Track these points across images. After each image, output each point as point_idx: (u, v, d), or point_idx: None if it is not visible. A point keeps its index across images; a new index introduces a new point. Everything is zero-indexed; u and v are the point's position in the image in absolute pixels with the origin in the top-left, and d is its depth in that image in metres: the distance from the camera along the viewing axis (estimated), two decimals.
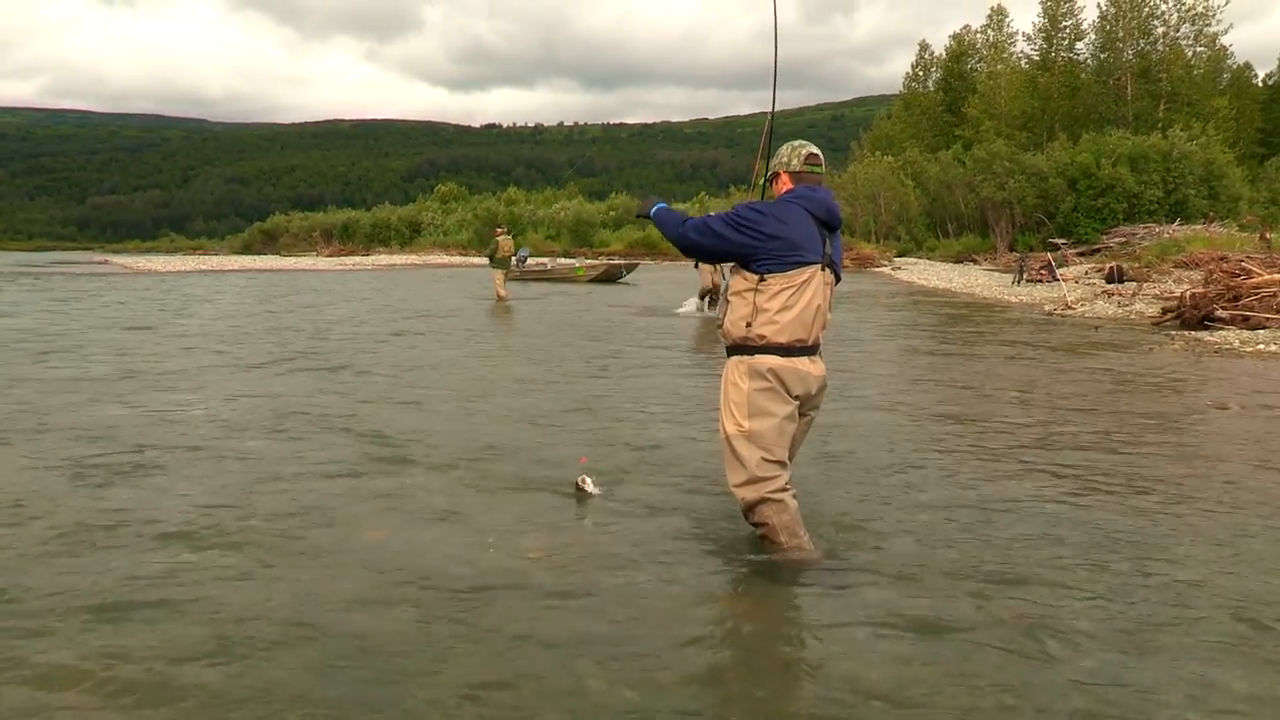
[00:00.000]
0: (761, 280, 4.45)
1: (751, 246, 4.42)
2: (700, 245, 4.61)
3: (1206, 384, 10.45)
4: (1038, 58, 74.62)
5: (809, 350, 4.56)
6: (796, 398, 4.55)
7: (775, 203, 4.56)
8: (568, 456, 6.74)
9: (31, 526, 5.01)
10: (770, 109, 5.53)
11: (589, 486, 5.76)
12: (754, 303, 4.48)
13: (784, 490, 4.55)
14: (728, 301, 4.65)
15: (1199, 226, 40.90)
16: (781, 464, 4.55)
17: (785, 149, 4.75)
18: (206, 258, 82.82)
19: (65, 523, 5.07)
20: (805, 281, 4.45)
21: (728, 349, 4.68)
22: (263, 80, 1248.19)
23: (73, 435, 7.33)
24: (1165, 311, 18.13)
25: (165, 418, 8.14)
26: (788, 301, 4.44)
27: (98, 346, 13.67)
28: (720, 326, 4.71)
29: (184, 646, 3.54)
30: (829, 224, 4.57)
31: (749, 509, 4.57)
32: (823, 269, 4.52)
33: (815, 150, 4.71)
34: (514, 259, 26.78)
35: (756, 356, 4.50)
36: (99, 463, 6.44)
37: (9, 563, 4.45)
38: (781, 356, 4.48)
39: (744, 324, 4.50)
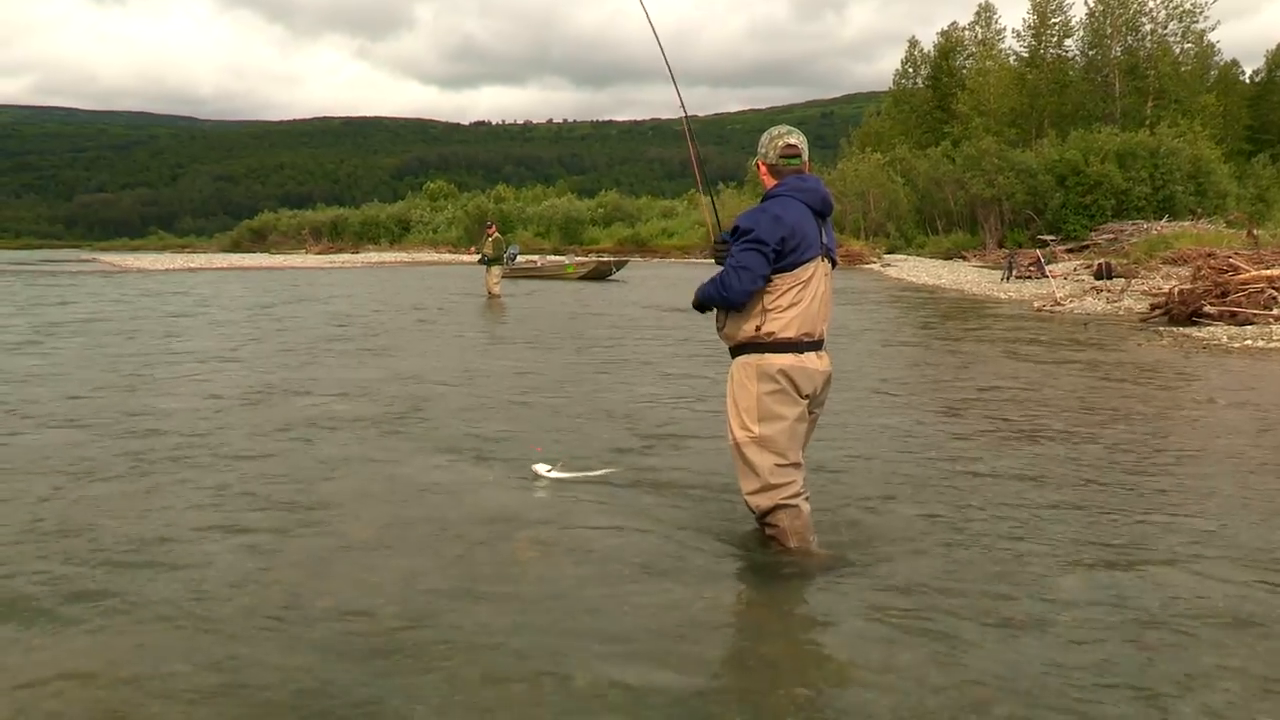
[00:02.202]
0: (769, 281, 4.38)
1: (777, 252, 4.32)
2: (750, 288, 4.36)
3: (1194, 380, 10.49)
4: (1026, 54, 74.68)
5: (816, 345, 4.49)
6: (806, 397, 4.47)
7: (773, 202, 4.46)
8: (564, 445, 6.75)
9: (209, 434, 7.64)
10: (684, 113, 5.49)
11: (542, 470, 6.06)
12: (761, 303, 4.39)
13: (798, 495, 4.48)
14: None
15: (1186, 223, 41.02)
16: (795, 466, 4.48)
17: (765, 138, 4.66)
18: (195, 256, 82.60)
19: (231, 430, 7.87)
20: (810, 276, 4.41)
21: (732, 349, 4.58)
22: (253, 78, 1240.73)
23: (193, 389, 9.87)
24: (1154, 308, 18.16)
25: (245, 380, 10.49)
26: (795, 298, 4.38)
27: (160, 330, 16.29)
28: (721, 329, 4.61)
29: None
30: (822, 212, 4.53)
31: (762, 515, 4.52)
32: (822, 259, 4.48)
33: (794, 140, 4.57)
34: (504, 257, 26.74)
35: (767, 356, 4.40)
36: (220, 404, 8.95)
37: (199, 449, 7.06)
38: (792, 354, 4.39)
39: (754, 325, 4.40)
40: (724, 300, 4.44)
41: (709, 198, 5.28)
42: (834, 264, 4.64)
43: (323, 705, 3.15)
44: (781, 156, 4.56)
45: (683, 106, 5.52)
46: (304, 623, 3.80)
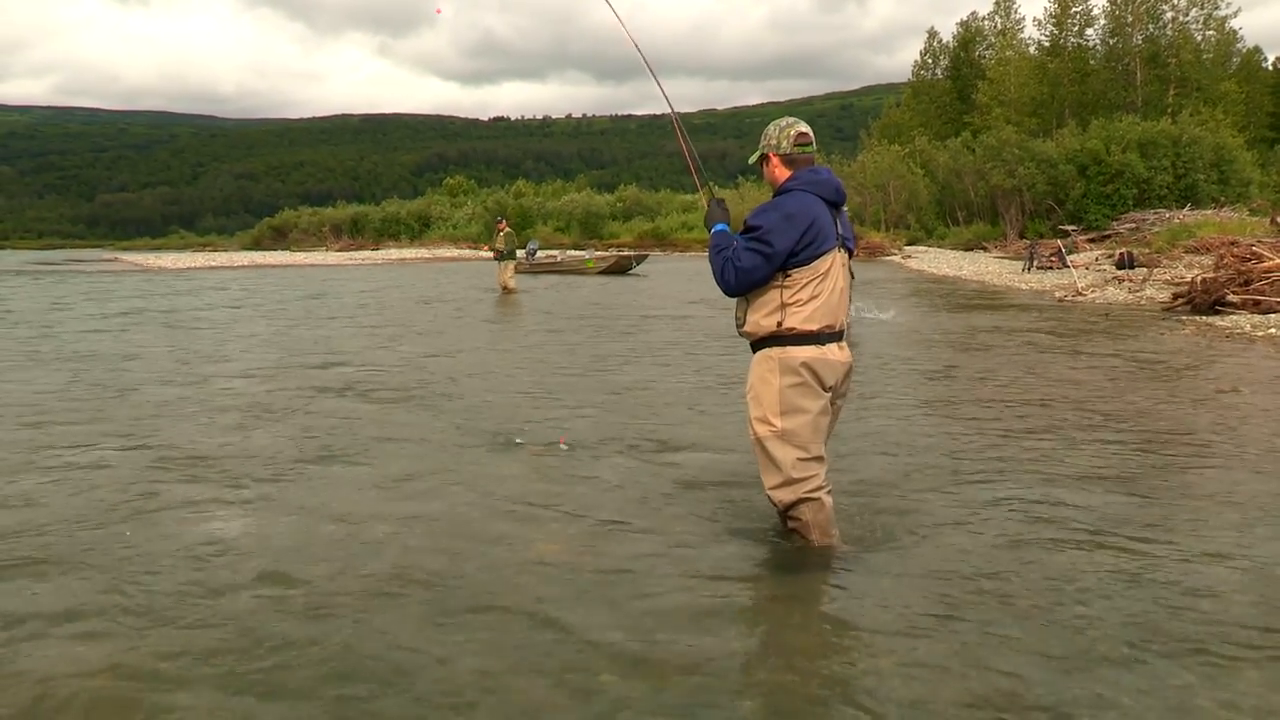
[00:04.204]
0: (787, 276, 4.35)
1: (786, 254, 4.30)
2: (747, 288, 4.43)
3: (1217, 369, 10.43)
4: (1047, 44, 74.21)
5: (837, 336, 4.46)
6: (828, 389, 4.44)
7: (787, 198, 4.42)
8: (586, 439, 6.79)
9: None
10: (671, 110, 5.53)
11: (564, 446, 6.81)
12: (780, 298, 4.37)
13: (821, 489, 4.45)
14: (746, 300, 4.51)
15: (1209, 212, 40.66)
16: (818, 459, 4.44)
17: (773, 129, 4.61)
18: (217, 254, 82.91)
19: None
20: (829, 269, 4.38)
21: (753, 344, 4.54)
22: (275, 77, 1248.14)
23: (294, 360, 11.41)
24: (1176, 297, 18.07)
25: (306, 356, 11.47)
26: (815, 291, 4.35)
27: (220, 319, 18.63)
28: (741, 325, 4.57)
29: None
30: (836, 202, 4.49)
31: (785, 509, 4.50)
32: (839, 249, 4.46)
33: (805, 129, 4.57)
34: (524, 252, 26.71)
35: (789, 349, 4.36)
36: (291, 374, 9.98)
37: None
38: (814, 346, 4.36)
39: (774, 320, 4.37)
40: (720, 283, 4.49)
41: (706, 187, 5.27)
42: (851, 254, 4.61)
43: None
44: (796, 145, 4.53)
45: (670, 105, 5.54)
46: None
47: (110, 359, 12.09)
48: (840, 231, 4.49)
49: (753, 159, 4.71)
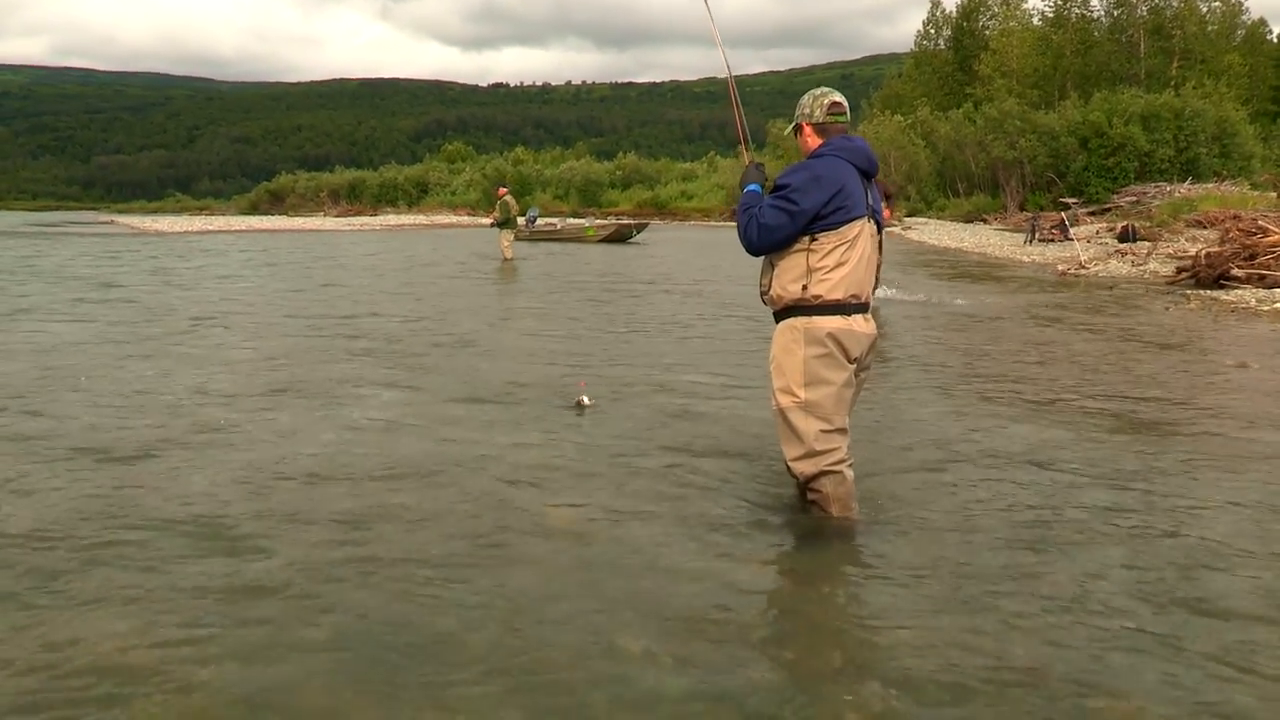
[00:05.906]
0: (813, 240, 4.28)
1: (811, 215, 4.24)
2: (769, 246, 4.38)
3: (1224, 343, 10.41)
4: (1051, 15, 73.82)
5: (863, 308, 4.39)
6: (853, 361, 4.37)
7: (817, 160, 4.37)
8: (602, 404, 6.77)
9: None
10: (729, 74, 5.50)
11: (585, 400, 7.01)
12: (806, 263, 4.29)
13: (843, 461, 4.39)
14: (772, 265, 4.46)
15: (1210, 185, 40.61)
16: (841, 432, 4.38)
17: (807, 99, 4.56)
18: (214, 218, 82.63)
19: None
20: (856, 236, 4.31)
21: (776, 313, 4.47)
22: (275, 41, 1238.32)
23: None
24: (1180, 271, 18.04)
25: (337, 307, 13.03)
26: (841, 258, 4.28)
27: (256, 276, 19.86)
28: (766, 292, 4.51)
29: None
30: (868, 173, 4.44)
31: (806, 481, 4.45)
32: (868, 220, 4.39)
33: (839, 98, 4.51)
34: (524, 219, 26.53)
35: (815, 319, 4.29)
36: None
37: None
38: (840, 317, 4.29)
39: (799, 286, 4.29)
40: (743, 240, 4.46)
41: (749, 150, 5.24)
42: (880, 227, 4.55)
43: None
44: (829, 114, 4.48)
45: (729, 70, 5.51)
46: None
47: (159, 311, 13.15)
48: (870, 203, 4.43)
49: (788, 130, 4.69)
